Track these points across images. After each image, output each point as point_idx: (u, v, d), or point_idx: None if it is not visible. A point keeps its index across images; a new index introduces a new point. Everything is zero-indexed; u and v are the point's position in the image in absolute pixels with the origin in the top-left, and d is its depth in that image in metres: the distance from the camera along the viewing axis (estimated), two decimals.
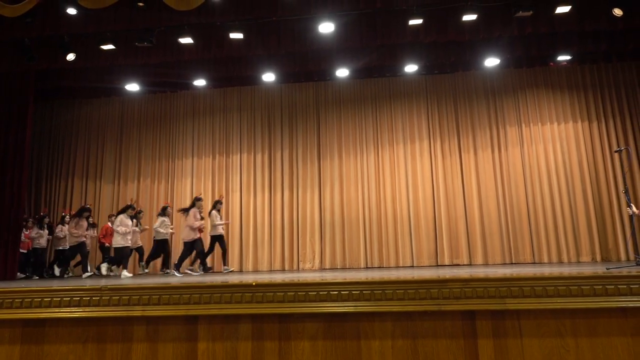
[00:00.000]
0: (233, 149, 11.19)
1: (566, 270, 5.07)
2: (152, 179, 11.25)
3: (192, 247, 8.66)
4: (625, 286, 2.70)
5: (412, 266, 9.95)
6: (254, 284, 2.89)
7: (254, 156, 11.05)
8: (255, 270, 10.37)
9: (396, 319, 2.89)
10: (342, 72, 10.38)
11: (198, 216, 8.82)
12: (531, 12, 8.16)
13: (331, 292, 2.92)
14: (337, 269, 9.86)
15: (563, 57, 10.15)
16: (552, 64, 10.50)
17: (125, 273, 8.51)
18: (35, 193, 11.39)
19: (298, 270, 9.10)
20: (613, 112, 10.18)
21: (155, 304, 2.90)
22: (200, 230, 8.81)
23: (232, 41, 8.82)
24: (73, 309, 2.92)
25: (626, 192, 5.64)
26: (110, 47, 8.70)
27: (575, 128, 10.22)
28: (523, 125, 10.43)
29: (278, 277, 4.84)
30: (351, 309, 2.87)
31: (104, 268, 9.34)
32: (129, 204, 9.27)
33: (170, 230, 9.59)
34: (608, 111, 10.20)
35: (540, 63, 10.50)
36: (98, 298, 2.91)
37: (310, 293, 2.90)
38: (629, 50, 9.80)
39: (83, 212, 9.26)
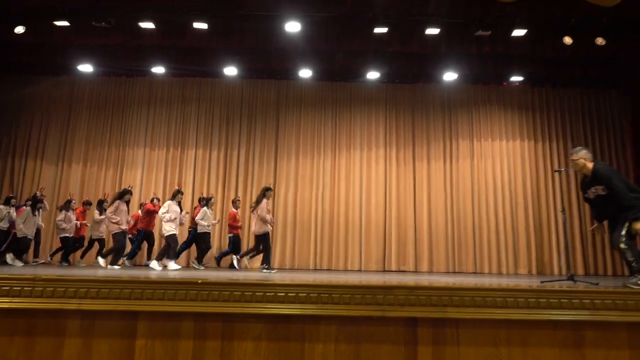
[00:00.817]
0: (189, 142, 10.89)
1: (504, 282, 5.32)
2: (100, 165, 10.76)
3: (266, 239, 7.83)
4: (556, 300, 2.86)
5: (360, 270, 10.09)
6: (199, 281, 2.83)
7: (210, 152, 10.82)
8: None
9: (341, 323, 2.92)
10: (305, 73, 10.39)
11: (269, 208, 8.16)
12: (490, 32, 8.53)
13: (278, 294, 2.91)
14: (285, 269, 9.83)
15: (516, 78, 10.66)
16: (505, 83, 11.00)
17: (173, 265, 7.76)
18: None
19: (247, 269, 8.99)
20: (557, 134, 10.78)
21: (93, 298, 2.77)
22: (271, 224, 8.10)
23: (195, 31, 8.62)
24: (1, 299, 2.75)
25: (563, 210, 5.98)
26: (64, 23, 8.27)
27: (522, 146, 10.74)
28: (475, 140, 10.84)
29: (225, 276, 4.77)
30: (297, 312, 2.87)
31: (102, 261, 8.32)
32: (177, 188, 8.48)
33: (214, 222, 9.19)
34: (552, 133, 10.80)
35: (495, 81, 10.97)
36: (30, 289, 2.75)
37: (257, 293, 2.87)
38: (575, 78, 10.44)
39: (125, 195, 8.18)
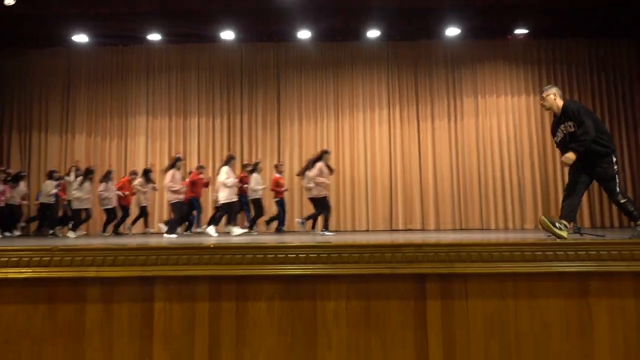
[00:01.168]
0: (190, 109, 10.85)
1: (511, 237, 5.40)
2: (104, 135, 10.79)
3: (325, 203, 7.76)
4: (562, 252, 2.91)
5: (368, 230, 10.23)
6: (212, 246, 2.89)
7: (213, 119, 10.80)
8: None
9: (351, 281, 2.99)
10: (304, 34, 10.17)
11: (326, 171, 7.88)
12: None
13: (289, 255, 2.97)
14: (294, 232, 9.99)
15: (521, 31, 10.39)
16: (509, 37, 10.73)
17: (236, 230, 7.71)
18: None
19: (257, 232, 9.14)
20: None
21: (111, 265, 2.85)
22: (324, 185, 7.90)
23: None
24: (22, 269, 2.83)
25: None
26: None
27: (528, 101, 10.61)
28: (479, 96, 10.70)
29: (236, 240, 4.86)
30: (308, 271, 2.94)
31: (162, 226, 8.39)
32: (230, 154, 8.44)
33: (262, 187, 8.94)
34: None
35: (499, 35, 10.70)
36: (48, 259, 2.83)
37: (268, 256, 2.93)
38: (583, 27, 10.15)
39: (177, 162, 8.12)
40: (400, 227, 10.26)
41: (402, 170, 10.47)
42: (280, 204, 9.08)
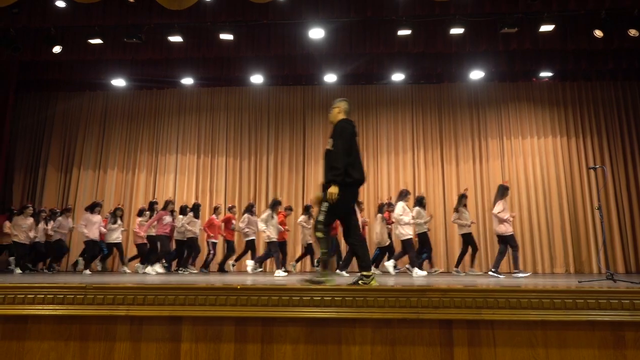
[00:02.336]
0: (218, 149, 11.18)
1: (540, 282, 5.25)
2: (134, 171, 11.18)
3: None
4: (594, 301, 2.83)
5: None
6: (238, 287, 2.94)
7: (240, 159, 11.07)
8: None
9: (376, 325, 2.97)
10: (330, 78, 10.49)
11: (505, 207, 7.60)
12: (516, 29, 8.40)
13: (314, 298, 2.99)
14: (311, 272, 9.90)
15: (545, 74, 10.45)
16: (534, 79, 10.79)
17: (420, 272, 7.46)
18: (17, 184, 11.16)
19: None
20: (590, 129, 10.50)
21: (140, 304, 2.92)
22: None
23: (221, 42, 8.84)
24: (56, 307, 2.93)
25: (599, 208, 5.85)
26: (98, 41, 8.63)
27: (554, 143, 10.51)
28: (504, 138, 10.67)
29: (262, 281, 4.89)
30: (333, 315, 2.94)
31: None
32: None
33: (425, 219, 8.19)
34: (586, 128, 10.52)
35: (523, 78, 10.78)
36: (82, 296, 2.92)
37: (293, 298, 2.96)
38: (608, 69, 10.15)
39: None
40: (425, 269, 10.04)
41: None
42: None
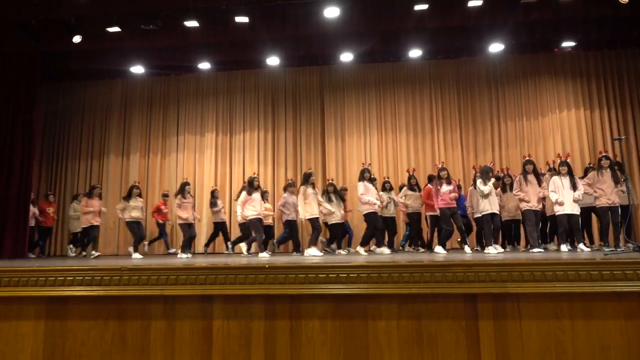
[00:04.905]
0: (236, 128, 11.31)
1: (565, 256, 5.22)
2: (155, 154, 11.41)
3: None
4: (620, 272, 2.84)
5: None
6: (266, 266, 3.03)
7: (258, 137, 11.16)
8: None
9: (402, 301, 3.04)
10: (346, 57, 10.39)
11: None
12: None
13: (340, 275, 3.06)
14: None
15: (567, 43, 10.14)
16: (556, 50, 10.49)
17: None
18: (44, 172, 11.53)
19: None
20: (615, 100, 10.22)
21: (173, 284, 3.05)
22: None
23: (237, 25, 8.82)
24: (94, 288, 3.07)
25: (626, 180, 5.75)
26: (116, 29, 8.72)
27: (578, 115, 10.27)
28: (524, 112, 10.50)
29: (288, 259, 5.00)
30: (359, 291, 3.01)
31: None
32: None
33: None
34: (610, 99, 10.25)
35: (544, 49, 10.50)
36: (118, 278, 3.06)
37: (320, 275, 3.04)
38: (633, 36, 9.79)
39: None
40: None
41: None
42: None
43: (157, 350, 3.06)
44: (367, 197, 7.42)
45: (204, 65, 10.73)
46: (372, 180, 7.89)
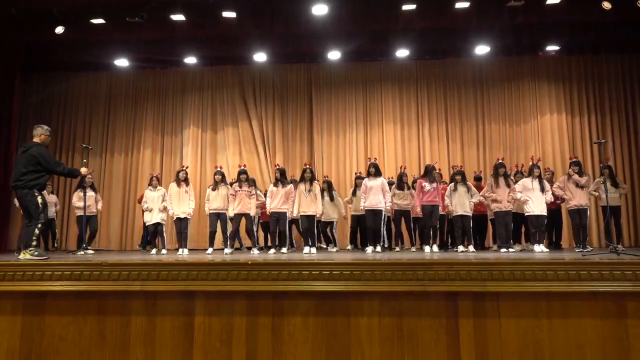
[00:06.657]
0: (222, 124, 11.17)
1: (544, 256, 5.31)
2: (138, 151, 11.22)
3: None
4: (597, 272, 2.90)
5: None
6: (249, 262, 3.02)
7: (245, 133, 11.05)
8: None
9: (383, 298, 3.05)
10: (334, 55, 10.39)
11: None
12: (523, 2, 8.27)
13: (323, 272, 3.07)
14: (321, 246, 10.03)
15: (552, 47, 10.30)
16: (540, 53, 10.65)
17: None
18: None
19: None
20: (595, 105, 10.43)
21: (154, 280, 3.02)
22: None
23: (224, 20, 8.76)
24: (74, 282, 3.03)
25: (604, 182, 5.87)
26: (100, 21, 8.58)
27: (559, 120, 10.44)
28: (507, 114, 10.65)
29: (272, 256, 4.99)
30: (342, 288, 3.02)
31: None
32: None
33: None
34: (591, 104, 10.44)
35: (529, 52, 10.64)
36: (98, 273, 3.02)
37: (303, 272, 3.04)
38: (615, 41, 9.99)
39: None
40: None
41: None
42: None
43: (137, 346, 3.03)
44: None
45: (191, 60, 10.62)
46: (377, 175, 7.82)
